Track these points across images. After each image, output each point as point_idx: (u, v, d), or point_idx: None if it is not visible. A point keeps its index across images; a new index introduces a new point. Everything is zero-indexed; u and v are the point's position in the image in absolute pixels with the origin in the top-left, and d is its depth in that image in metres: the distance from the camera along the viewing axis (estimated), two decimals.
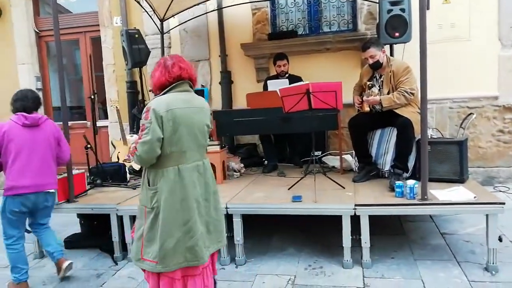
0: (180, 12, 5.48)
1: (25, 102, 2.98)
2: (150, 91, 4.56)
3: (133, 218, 3.40)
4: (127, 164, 4.62)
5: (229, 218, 3.20)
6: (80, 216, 3.87)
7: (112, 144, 5.02)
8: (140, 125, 2.10)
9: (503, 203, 2.79)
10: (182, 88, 2.17)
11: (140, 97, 5.64)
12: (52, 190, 3.07)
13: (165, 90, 2.15)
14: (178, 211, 2.10)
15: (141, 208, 2.18)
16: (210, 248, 2.23)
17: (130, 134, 5.15)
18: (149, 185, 2.14)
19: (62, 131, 3.32)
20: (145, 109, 2.10)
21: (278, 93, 3.62)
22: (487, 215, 2.81)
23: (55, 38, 3.49)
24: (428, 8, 4.27)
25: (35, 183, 2.93)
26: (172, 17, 5.57)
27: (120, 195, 3.72)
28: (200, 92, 4.31)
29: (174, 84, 2.14)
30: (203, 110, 2.25)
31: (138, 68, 5.35)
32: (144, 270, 2.20)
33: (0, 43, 6.39)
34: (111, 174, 4.22)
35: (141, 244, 2.13)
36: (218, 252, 2.41)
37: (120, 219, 3.40)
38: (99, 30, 6.13)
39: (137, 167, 4.78)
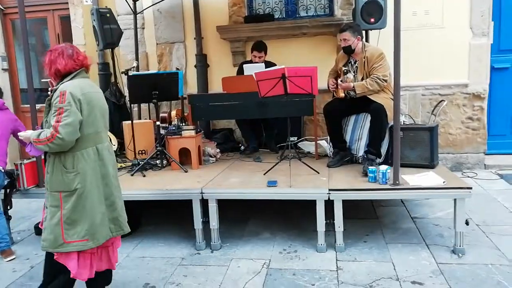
0: None
1: None
2: (122, 73, 4.42)
3: None
4: None
5: (204, 203, 3.19)
6: None
7: None
8: (56, 109, 2.11)
9: (470, 188, 2.90)
10: (83, 75, 2.28)
11: (113, 79, 5.46)
12: (1, 168, 3.22)
13: (71, 76, 2.21)
14: (100, 188, 2.25)
15: (54, 195, 2.19)
16: (125, 221, 2.45)
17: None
18: (66, 169, 2.17)
19: (30, 114, 3.35)
20: (57, 93, 2.13)
21: (254, 77, 3.59)
22: (455, 200, 2.91)
23: (20, 16, 3.32)
24: None
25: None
26: None
27: None
28: (175, 75, 4.21)
29: (78, 71, 2.24)
30: (103, 95, 2.41)
31: (110, 49, 5.16)
32: (57, 255, 2.20)
33: None
34: None
35: (60, 229, 2.17)
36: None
37: None
38: (68, 9, 5.86)
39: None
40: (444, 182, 3.02)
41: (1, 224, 3.25)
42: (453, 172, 3.71)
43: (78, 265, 2.22)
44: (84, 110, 2.15)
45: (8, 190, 3.42)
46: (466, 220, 2.91)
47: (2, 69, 6.08)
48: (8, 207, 3.48)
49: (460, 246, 2.91)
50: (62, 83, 2.18)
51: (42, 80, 6.02)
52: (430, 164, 3.50)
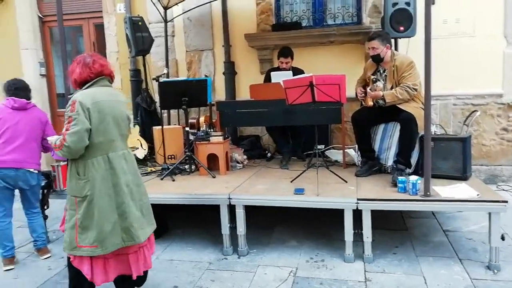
0: (184, 0, 5.42)
1: (18, 92, 3.27)
2: (153, 79, 4.52)
3: None
4: None
5: (231, 209, 3.21)
6: None
7: None
8: (66, 117, 2.21)
9: (506, 201, 2.80)
10: (103, 83, 2.34)
11: (144, 85, 5.61)
12: (32, 170, 3.23)
13: (87, 85, 2.29)
14: (111, 196, 2.26)
15: (71, 199, 2.28)
16: (147, 229, 2.43)
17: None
18: (79, 175, 2.24)
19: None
20: (70, 102, 2.22)
21: (282, 84, 3.61)
22: (489, 213, 2.82)
23: (58, 24, 3.46)
24: (433, 3, 4.26)
25: (13, 159, 3.12)
26: (176, 5, 5.51)
27: None
28: (203, 82, 4.28)
29: (95, 80, 2.30)
30: (123, 103, 2.45)
31: (142, 56, 5.31)
32: (72, 258, 2.29)
33: (3, 27, 6.32)
34: None
35: (75, 233, 2.24)
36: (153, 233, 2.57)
37: None
38: (102, 17, 6.07)
39: (140, 155, 4.79)
40: (478, 194, 2.93)
41: (38, 223, 3.37)
42: (487, 185, 3.60)
43: (92, 270, 2.27)
44: (94, 119, 2.20)
45: (45, 191, 3.57)
46: (502, 235, 2.81)
47: (40, 75, 6.35)
48: (45, 207, 3.62)
49: (495, 262, 2.81)
50: (77, 92, 2.27)
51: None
52: (462, 175, 3.41)
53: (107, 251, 2.25)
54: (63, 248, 2.31)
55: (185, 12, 5.64)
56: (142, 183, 2.49)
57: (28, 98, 3.32)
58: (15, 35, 6.27)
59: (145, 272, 2.50)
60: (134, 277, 2.38)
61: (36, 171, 3.28)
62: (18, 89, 3.27)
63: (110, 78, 2.40)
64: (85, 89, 2.28)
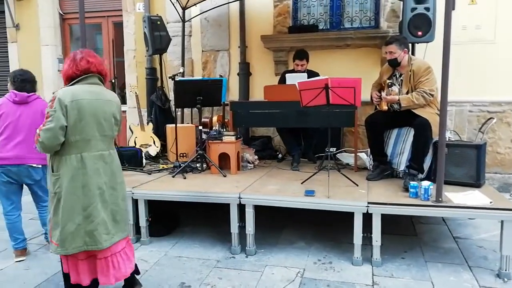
0: (202, 1, 5.49)
1: (24, 84, 3.17)
2: (169, 78, 4.59)
3: (148, 203, 3.47)
4: (144, 150, 4.70)
5: (241, 208, 3.23)
6: None
7: (130, 129, 5.09)
8: (46, 112, 2.18)
9: None
10: (91, 81, 2.29)
11: (159, 83, 5.68)
12: (35, 165, 3.18)
13: (73, 82, 2.26)
14: (79, 197, 2.21)
15: (50, 193, 2.29)
16: (115, 236, 2.34)
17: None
18: (52, 171, 2.23)
19: None
20: (51, 98, 2.20)
21: (297, 86, 3.62)
22: (502, 221, 2.79)
23: (80, 22, 3.54)
24: (453, 8, 4.22)
25: (15, 155, 3.08)
26: (194, 6, 5.58)
27: (136, 179, 3.79)
28: (219, 82, 4.32)
29: (82, 77, 2.26)
30: (111, 103, 2.35)
31: (159, 55, 5.39)
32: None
33: (25, 24, 6.50)
34: (128, 158, 4.29)
35: (50, 227, 2.28)
36: (127, 241, 2.50)
37: (135, 202, 3.47)
38: (121, 15, 6.18)
39: (153, 152, 4.85)
40: (491, 202, 2.90)
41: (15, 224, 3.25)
42: (500, 193, 3.54)
43: (69, 268, 2.31)
44: (72, 117, 2.15)
45: None
46: None
47: (58, 71, 6.49)
48: None
49: (505, 270, 2.77)
50: (62, 88, 2.26)
51: None
52: (476, 183, 3.37)
53: (68, 252, 2.22)
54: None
55: (202, 12, 5.71)
56: (120, 187, 2.39)
57: (34, 90, 3.23)
58: (37, 31, 6.44)
59: (129, 280, 2.47)
60: (101, 283, 2.33)
61: (40, 166, 3.19)
62: (25, 81, 3.16)
63: (101, 76, 2.35)
64: (70, 85, 2.26)
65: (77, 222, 2.20)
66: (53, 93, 2.26)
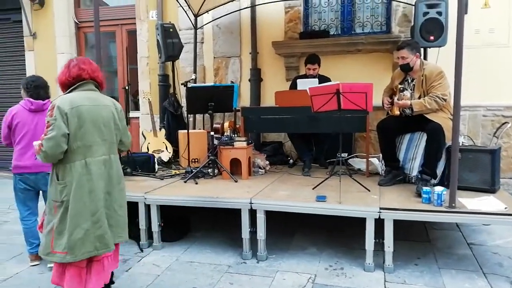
0: (214, 8, 5.56)
1: (38, 90, 3.17)
2: (182, 84, 4.64)
3: (160, 208, 3.51)
4: (156, 155, 4.75)
5: (252, 213, 3.24)
6: None
7: (143, 135, 5.15)
8: (46, 122, 2.20)
9: None
10: (86, 88, 2.33)
11: (171, 90, 5.75)
12: None
13: (70, 89, 2.30)
14: (86, 203, 2.22)
15: (51, 203, 2.27)
16: (115, 239, 2.37)
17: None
18: (58, 180, 2.24)
19: None
20: (50, 107, 2.22)
21: (308, 92, 3.63)
22: None
23: (95, 30, 3.61)
24: (466, 12, 4.19)
25: (34, 164, 3.09)
26: (206, 13, 5.65)
27: (148, 185, 3.84)
28: (230, 88, 4.36)
29: (78, 84, 2.30)
30: (109, 108, 2.38)
31: (171, 62, 5.46)
32: (54, 264, 2.33)
33: (42, 32, 6.66)
34: (141, 164, 4.35)
35: (51, 238, 2.24)
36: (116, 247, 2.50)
37: (147, 207, 3.51)
38: (135, 23, 6.29)
39: (165, 158, 4.90)
40: (506, 208, 2.85)
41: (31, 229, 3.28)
42: None
43: (66, 278, 2.28)
44: (73, 124, 2.18)
45: None
46: None
47: None
48: None
49: None
50: (59, 96, 2.28)
51: None
52: (490, 188, 3.32)
53: (77, 258, 2.21)
54: (38, 252, 2.33)
55: (214, 19, 5.78)
56: (118, 192, 2.40)
57: (48, 96, 3.22)
58: (52, 40, 6.60)
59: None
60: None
61: None
62: (38, 87, 3.15)
63: (96, 82, 2.38)
64: (67, 93, 2.29)
65: (85, 228, 2.21)
66: (52, 101, 2.29)
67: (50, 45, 6.60)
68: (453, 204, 2.89)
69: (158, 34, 5.15)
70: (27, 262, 3.29)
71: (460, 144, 3.40)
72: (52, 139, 2.15)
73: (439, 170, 3.54)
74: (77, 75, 2.30)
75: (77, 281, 2.30)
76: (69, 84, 2.31)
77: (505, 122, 4.35)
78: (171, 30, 5.17)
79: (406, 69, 3.66)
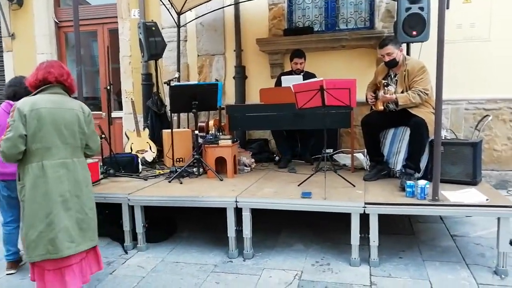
0: (197, 6, 5.51)
1: (17, 88, 3.06)
2: (165, 83, 4.60)
3: (144, 208, 3.47)
4: (140, 156, 4.70)
5: (238, 212, 3.23)
6: None
7: (126, 135, 5.09)
8: (7, 122, 2.24)
9: None
10: (52, 90, 2.35)
11: (155, 89, 5.69)
12: None
13: (36, 91, 2.34)
14: (40, 204, 2.24)
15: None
16: (82, 245, 2.35)
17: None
18: (19, 180, 2.29)
19: None
20: (11, 108, 2.27)
21: (292, 89, 3.63)
22: (498, 218, 2.78)
23: (74, 29, 3.54)
24: (447, 7, 4.23)
25: (14, 171, 2.97)
26: (189, 11, 5.60)
27: (132, 185, 3.78)
28: (214, 86, 4.32)
29: (45, 86, 2.33)
30: (73, 112, 2.38)
31: (154, 61, 5.40)
32: None
33: (20, 32, 6.52)
34: (124, 165, 4.28)
35: (21, 234, 2.33)
36: (94, 249, 2.51)
37: (131, 208, 3.46)
38: (117, 22, 6.20)
39: (149, 158, 4.85)
40: (487, 199, 2.89)
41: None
42: (497, 190, 3.54)
43: (35, 276, 2.32)
44: (32, 126, 2.21)
45: None
46: (510, 240, 2.76)
47: None
48: None
49: (503, 267, 2.76)
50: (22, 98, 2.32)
51: None
52: (472, 180, 3.36)
53: (31, 259, 2.26)
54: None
55: (198, 17, 5.73)
56: (86, 195, 2.41)
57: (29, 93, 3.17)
58: (32, 40, 6.46)
59: None
60: None
61: None
62: (19, 86, 3.02)
63: (64, 85, 2.39)
64: (32, 95, 2.33)
65: (39, 230, 2.23)
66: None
67: (29, 46, 6.46)
68: (436, 197, 2.92)
69: (141, 33, 5.08)
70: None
71: (443, 138, 3.44)
72: (9, 140, 2.19)
73: (423, 164, 3.57)
74: (43, 78, 2.33)
75: (41, 283, 2.32)
76: (36, 86, 2.35)
77: (486, 115, 4.41)
78: (153, 28, 5.11)
79: (393, 64, 3.66)
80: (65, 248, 2.27)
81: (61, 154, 2.31)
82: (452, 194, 3.05)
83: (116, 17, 6.19)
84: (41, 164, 2.25)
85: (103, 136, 4.12)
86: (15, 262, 3.20)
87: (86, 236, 2.38)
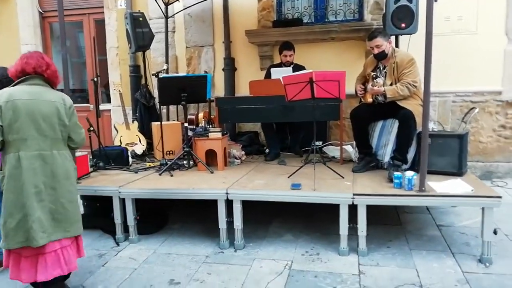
0: None
1: (2, 79, 2.95)
2: (153, 75, 4.56)
3: (136, 201, 3.47)
4: (130, 149, 4.68)
5: (229, 203, 3.25)
6: (83, 197, 3.92)
7: (115, 128, 5.05)
8: None
9: (500, 197, 2.83)
10: (31, 82, 2.37)
11: (143, 81, 5.64)
12: None
13: (15, 82, 2.37)
14: (17, 195, 2.29)
15: None
16: (53, 235, 2.37)
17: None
18: (0, 169, 2.36)
19: None
20: None
21: (281, 81, 3.64)
22: (483, 208, 2.85)
23: (59, 20, 3.48)
24: (435, 0, 4.26)
25: None
26: (177, 1, 5.54)
27: (122, 178, 3.77)
28: (203, 78, 4.31)
29: (23, 78, 2.35)
30: (53, 103, 2.37)
31: (142, 52, 5.33)
32: None
33: (3, 23, 6.38)
34: (114, 157, 4.26)
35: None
36: (75, 239, 2.55)
37: (122, 201, 3.46)
38: (103, 12, 6.10)
39: (139, 151, 4.83)
40: (472, 190, 2.97)
41: None
42: (482, 181, 3.63)
43: (10, 263, 2.38)
44: (7, 117, 2.24)
45: None
46: (494, 229, 2.84)
47: None
48: None
49: (487, 255, 2.85)
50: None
51: None
52: (458, 171, 3.44)
53: (8, 247, 2.30)
54: None
55: (186, 8, 5.67)
56: (65, 187, 2.42)
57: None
58: (16, 31, 6.33)
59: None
60: (38, 279, 2.34)
61: None
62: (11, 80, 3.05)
63: (43, 76, 2.39)
64: (11, 86, 2.35)
65: (17, 218, 2.29)
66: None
67: (13, 36, 6.33)
68: (423, 188, 2.98)
69: (127, 24, 5.01)
70: None
71: (430, 130, 3.50)
72: None
73: (410, 156, 3.63)
74: (22, 69, 2.35)
75: (15, 268, 2.36)
76: (17, 77, 2.37)
77: (473, 108, 4.50)
78: (140, 19, 5.04)
79: (382, 56, 3.69)
80: (39, 238, 2.31)
81: (38, 146, 2.33)
82: (438, 185, 3.12)
83: (102, 7, 6.09)
84: (18, 155, 2.28)
85: (91, 129, 4.09)
86: None
87: (59, 227, 2.40)
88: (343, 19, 5.44)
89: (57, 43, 6.47)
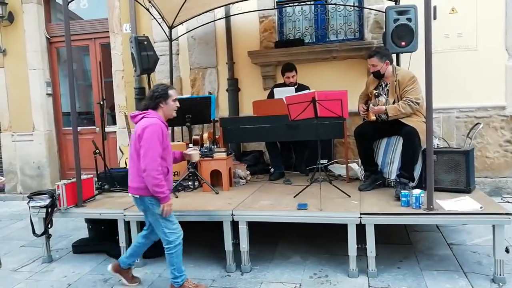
0: (188, 20, 5.55)
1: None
2: None
3: (140, 224, 3.44)
4: None
5: (235, 225, 3.21)
6: (88, 220, 3.90)
7: (120, 149, 5.06)
8: None
9: (510, 214, 2.78)
10: None
11: None
12: (131, 195, 2.99)
13: None
14: None
15: None
16: None
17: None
18: None
19: (72, 136, 3.38)
20: None
21: (284, 101, 3.65)
22: (493, 226, 2.80)
23: (66, 45, 3.55)
24: (434, 18, 4.32)
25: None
26: (181, 25, 5.64)
27: (127, 201, 3.74)
28: (207, 99, 4.34)
29: None
30: None
31: (147, 75, 5.40)
32: None
33: (12, 48, 6.50)
34: (119, 180, 4.25)
35: None
36: None
37: (127, 224, 3.44)
38: (108, 37, 6.21)
39: None
40: (481, 207, 2.92)
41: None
42: (491, 197, 3.58)
43: None
44: None
45: (49, 209, 3.57)
46: (506, 247, 2.78)
47: (47, 94, 6.47)
48: (49, 226, 3.63)
49: (500, 274, 2.78)
50: None
51: None
52: (466, 188, 3.39)
53: None
54: None
55: (189, 31, 5.77)
56: None
57: (149, 107, 2.92)
58: (23, 56, 6.43)
59: None
60: None
61: (138, 196, 2.92)
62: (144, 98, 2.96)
63: None
64: None
65: None
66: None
67: (21, 62, 6.43)
68: (431, 206, 2.94)
69: (132, 47, 5.09)
70: None
71: (435, 146, 3.47)
72: None
73: (417, 173, 3.60)
74: None
75: None
76: None
77: (478, 123, 4.47)
78: (145, 42, 5.12)
79: (378, 75, 3.75)
80: None
81: None
82: (447, 202, 3.08)
83: (108, 31, 6.20)
84: None
85: (97, 151, 4.10)
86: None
87: None
88: (344, 38, 5.50)
89: (64, 67, 6.57)
